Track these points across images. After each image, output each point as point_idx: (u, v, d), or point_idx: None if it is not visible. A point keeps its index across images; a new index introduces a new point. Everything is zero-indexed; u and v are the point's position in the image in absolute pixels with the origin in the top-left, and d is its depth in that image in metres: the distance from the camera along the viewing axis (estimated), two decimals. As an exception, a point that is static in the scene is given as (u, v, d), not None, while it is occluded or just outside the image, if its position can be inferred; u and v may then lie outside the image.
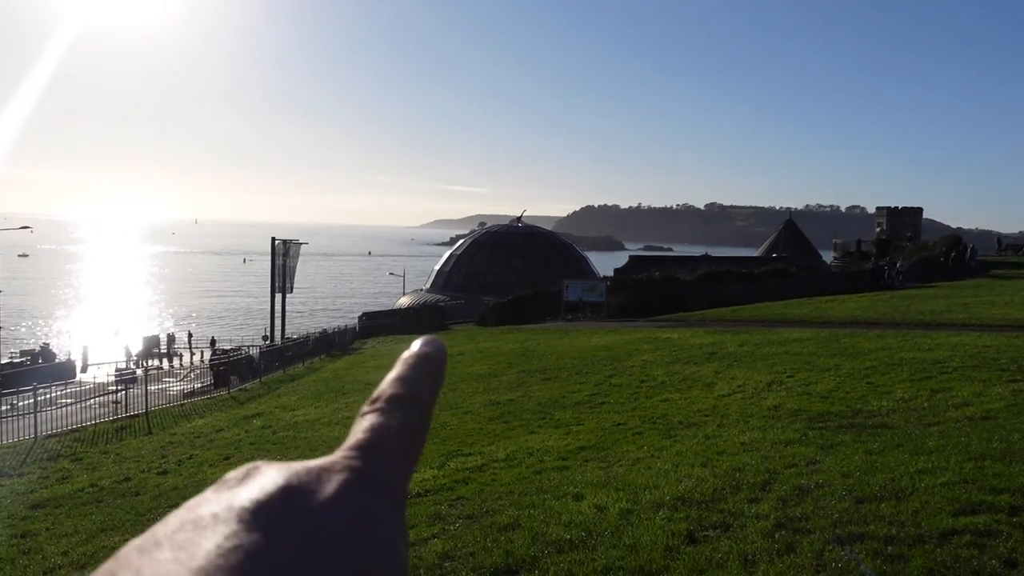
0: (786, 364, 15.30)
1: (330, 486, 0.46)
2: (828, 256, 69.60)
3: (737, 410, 11.46)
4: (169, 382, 33.55)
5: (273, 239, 47.37)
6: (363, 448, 0.50)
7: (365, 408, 0.54)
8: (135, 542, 0.43)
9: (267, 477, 0.47)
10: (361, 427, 0.52)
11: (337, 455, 0.50)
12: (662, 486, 6.92)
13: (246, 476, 0.47)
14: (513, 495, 7.64)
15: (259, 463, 0.49)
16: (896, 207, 76.24)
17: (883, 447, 7.74)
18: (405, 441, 0.52)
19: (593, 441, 10.45)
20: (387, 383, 0.56)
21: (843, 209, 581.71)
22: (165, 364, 44.95)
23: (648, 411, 12.31)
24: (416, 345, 0.58)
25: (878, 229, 75.32)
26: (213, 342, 51.81)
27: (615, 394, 14.39)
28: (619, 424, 11.48)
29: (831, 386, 12.41)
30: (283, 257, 46.84)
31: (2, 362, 40.35)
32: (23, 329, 73.95)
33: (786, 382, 13.32)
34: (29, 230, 54.75)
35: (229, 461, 13.07)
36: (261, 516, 0.43)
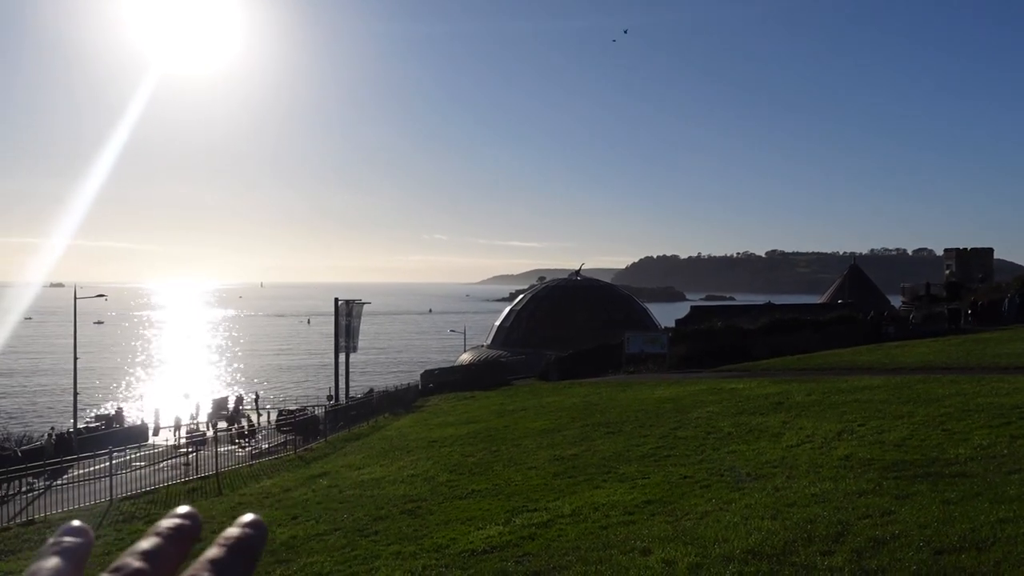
0: (856, 412, 14.92)
1: None
2: (896, 301, 68.01)
3: (807, 461, 11.20)
4: (237, 443, 34.10)
5: (336, 299, 48.25)
6: None
7: None
8: None
9: None
10: None
11: None
12: (731, 539, 6.80)
13: None
14: (580, 551, 7.58)
15: None
16: (965, 248, 74.46)
17: (961, 496, 7.49)
18: None
19: (660, 495, 10.31)
20: (197, 565, 0.50)
21: (910, 252, 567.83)
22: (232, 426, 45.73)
23: (715, 463, 12.11)
24: (240, 522, 0.53)
25: (947, 272, 73.49)
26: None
27: (681, 447, 14.19)
28: (686, 477, 11.31)
29: (905, 434, 12.06)
30: (347, 317, 47.61)
31: (79, 426, 41.59)
32: (98, 394, 76.20)
33: (857, 431, 12.98)
34: (104, 298, 56.60)
35: (297, 520, 13.20)
36: None
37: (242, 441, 34.01)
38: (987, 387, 16.17)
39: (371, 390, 45.03)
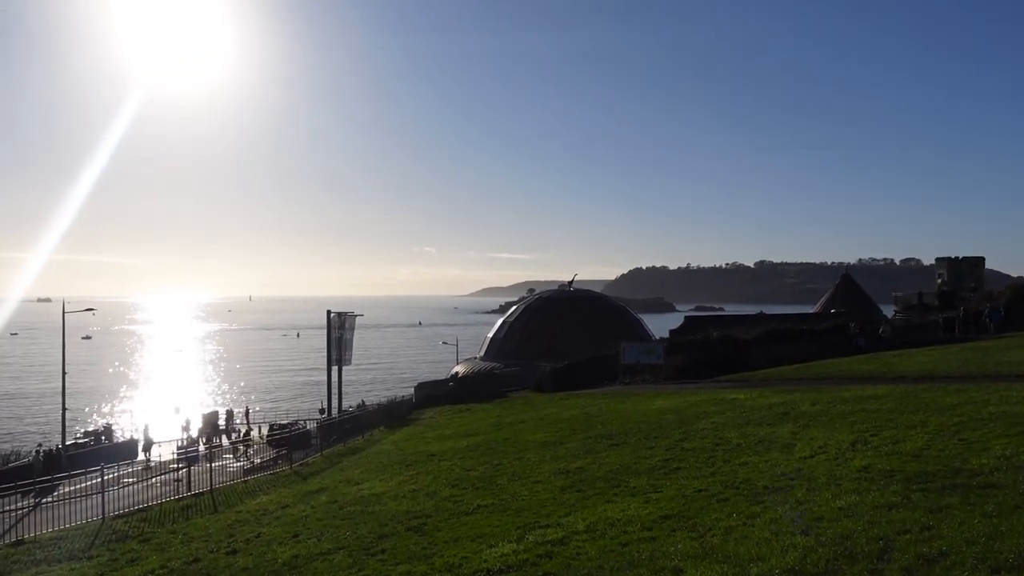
0: (867, 422, 14.66)
1: None
2: (888, 310, 68.01)
3: (824, 472, 10.89)
4: (228, 459, 33.58)
5: (329, 312, 47.75)
6: None
7: None
8: None
9: None
10: None
11: None
12: (767, 557, 6.48)
13: None
14: (603, 570, 7.24)
15: None
16: (956, 258, 74.47)
17: (1000, 509, 7.20)
18: None
19: (676, 509, 9.99)
20: None
21: (898, 262, 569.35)
22: (224, 441, 45.15)
23: (728, 476, 11.79)
24: None
25: (939, 281, 73.62)
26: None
27: (690, 458, 13.87)
28: (700, 490, 10.98)
29: (921, 444, 11.78)
30: (339, 329, 47.12)
31: (67, 443, 40.95)
32: (87, 409, 75.32)
33: (871, 441, 12.71)
34: (93, 312, 56.02)
35: (298, 539, 12.79)
36: None
37: (240, 448, 33.57)
38: (996, 395, 15.94)
39: (362, 402, 44.45)
